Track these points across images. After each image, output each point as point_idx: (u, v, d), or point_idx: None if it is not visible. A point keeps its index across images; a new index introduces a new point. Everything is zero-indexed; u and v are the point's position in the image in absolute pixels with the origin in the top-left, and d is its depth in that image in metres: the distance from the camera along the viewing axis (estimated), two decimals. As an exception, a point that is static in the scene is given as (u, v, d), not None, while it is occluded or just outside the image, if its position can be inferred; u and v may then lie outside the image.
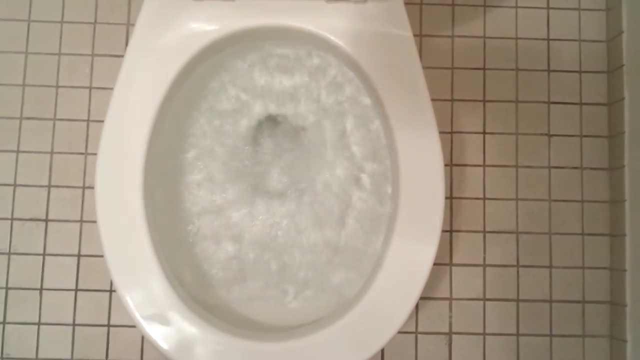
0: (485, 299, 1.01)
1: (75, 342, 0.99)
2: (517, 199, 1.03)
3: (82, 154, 1.03)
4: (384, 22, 0.78)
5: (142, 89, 0.76)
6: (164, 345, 0.70)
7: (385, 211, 0.82)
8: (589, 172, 1.04)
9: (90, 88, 1.04)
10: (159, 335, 0.70)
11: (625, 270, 0.97)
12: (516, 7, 1.08)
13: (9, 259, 1.01)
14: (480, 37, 1.07)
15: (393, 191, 0.78)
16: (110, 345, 0.99)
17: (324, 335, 0.71)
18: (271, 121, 0.87)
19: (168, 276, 0.71)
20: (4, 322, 1.00)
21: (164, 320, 0.70)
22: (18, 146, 1.03)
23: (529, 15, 1.08)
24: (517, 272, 1.02)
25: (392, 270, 0.72)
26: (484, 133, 1.04)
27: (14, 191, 1.02)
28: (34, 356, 0.99)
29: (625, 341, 0.96)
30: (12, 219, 1.01)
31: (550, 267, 1.02)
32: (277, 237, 0.84)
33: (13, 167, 1.02)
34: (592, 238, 1.03)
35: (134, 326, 0.98)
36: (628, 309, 0.96)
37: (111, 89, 0.76)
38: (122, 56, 1.01)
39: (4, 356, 0.99)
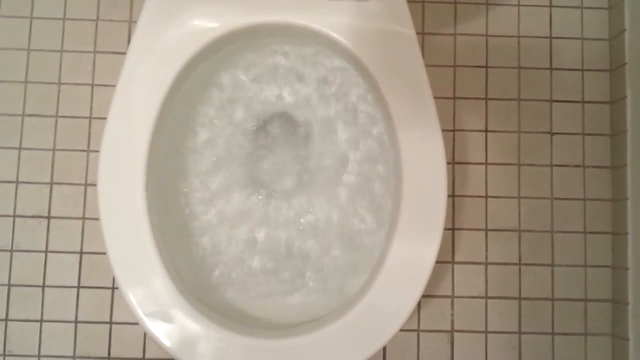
0: (487, 297, 1.01)
1: (78, 339, 1.00)
2: (519, 197, 1.03)
3: (84, 151, 1.03)
4: (387, 20, 0.78)
5: (145, 86, 0.76)
6: (166, 342, 0.70)
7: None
8: (591, 170, 1.04)
9: (93, 85, 1.04)
10: (162, 332, 0.70)
11: (627, 269, 0.97)
12: (519, 5, 1.08)
13: (11, 256, 1.01)
14: (483, 35, 1.07)
15: (395, 189, 0.77)
16: (112, 342, 1.00)
17: (326, 332, 0.71)
18: (275, 119, 0.87)
19: (170, 273, 0.71)
20: (6, 319, 1.00)
21: (166, 318, 0.70)
22: (20, 143, 1.03)
23: (532, 13, 1.07)
24: (519, 270, 1.02)
25: (394, 268, 0.72)
26: (486, 131, 1.04)
27: (16, 188, 1.02)
28: (36, 353, 0.99)
29: (627, 339, 0.96)
30: (15, 216, 1.01)
31: (552, 265, 1.02)
32: (281, 235, 0.84)
33: (15, 164, 1.02)
34: (594, 236, 1.03)
35: (136, 323, 0.98)
36: (630, 307, 0.96)
37: (113, 86, 0.76)
38: (124, 53, 1.02)
39: (7, 353, 0.99)
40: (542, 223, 1.03)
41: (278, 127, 0.87)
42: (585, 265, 1.03)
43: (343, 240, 0.84)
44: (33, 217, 1.02)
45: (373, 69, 0.77)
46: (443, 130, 0.75)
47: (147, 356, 0.99)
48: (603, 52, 1.07)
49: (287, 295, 0.83)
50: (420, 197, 0.74)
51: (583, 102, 1.06)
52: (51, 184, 1.02)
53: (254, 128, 0.86)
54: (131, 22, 1.06)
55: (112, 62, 1.05)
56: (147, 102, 0.75)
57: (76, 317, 1.00)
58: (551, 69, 1.06)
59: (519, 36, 1.07)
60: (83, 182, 1.02)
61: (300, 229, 0.84)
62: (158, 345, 0.70)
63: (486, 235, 1.03)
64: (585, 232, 1.03)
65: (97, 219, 0.97)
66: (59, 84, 1.04)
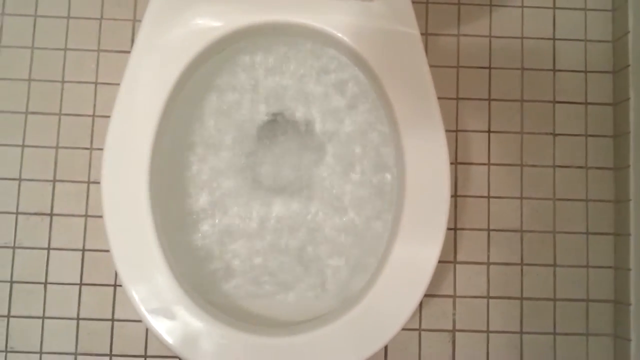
0: (489, 297, 1.01)
1: (80, 336, 1.00)
2: (521, 198, 1.03)
3: (87, 149, 1.03)
4: (391, 20, 0.78)
5: (149, 84, 0.76)
6: (168, 339, 0.70)
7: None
8: (593, 171, 1.04)
9: (96, 83, 1.05)
10: (164, 329, 0.70)
11: (629, 270, 0.97)
12: (522, 6, 1.08)
13: (13, 252, 1.01)
14: (486, 36, 1.07)
15: (398, 189, 0.77)
16: (114, 339, 1.00)
17: (328, 331, 0.71)
18: (279, 118, 0.87)
19: (173, 271, 0.71)
20: (8, 316, 1.00)
21: (169, 314, 0.70)
22: (23, 141, 1.03)
23: (535, 14, 1.08)
24: (521, 270, 1.02)
25: (396, 268, 0.72)
26: (489, 132, 1.05)
27: (19, 185, 1.02)
28: (38, 350, 0.99)
29: (629, 340, 0.96)
30: (17, 213, 1.02)
31: (555, 265, 1.02)
32: (284, 234, 0.84)
33: (18, 161, 1.02)
34: (597, 237, 1.03)
35: (138, 320, 0.99)
36: (632, 308, 0.96)
37: (117, 84, 0.76)
38: (128, 52, 1.03)
39: (9, 349, 0.99)
40: (545, 224, 1.03)
41: (282, 127, 0.87)
42: (587, 266, 1.03)
43: (347, 241, 0.84)
44: (36, 214, 1.02)
45: (377, 68, 0.77)
46: (446, 131, 0.75)
47: (148, 353, 0.99)
48: (606, 54, 1.07)
49: (290, 294, 0.83)
50: (423, 197, 0.74)
51: (586, 103, 1.06)
52: (54, 181, 1.02)
53: (259, 127, 0.86)
54: (135, 21, 1.06)
55: (115, 61, 1.05)
56: (151, 101, 0.75)
57: (78, 314, 1.00)
58: (554, 70, 1.06)
59: (522, 37, 1.07)
60: (86, 179, 1.02)
61: (305, 229, 0.84)
62: (160, 342, 0.70)
63: (488, 235, 1.03)
64: (587, 233, 1.03)
65: (100, 216, 0.98)
66: (63, 82, 1.05)
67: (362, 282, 0.78)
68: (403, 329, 0.73)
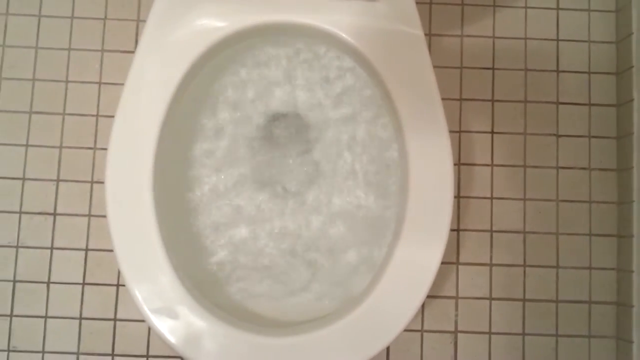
0: (491, 298, 1.01)
1: (82, 336, 1.00)
2: (524, 199, 1.03)
3: (90, 148, 1.03)
4: (395, 20, 0.78)
5: (153, 84, 0.76)
6: (171, 338, 0.70)
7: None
8: (597, 172, 1.04)
9: (100, 83, 1.05)
10: (167, 328, 0.70)
11: (632, 272, 0.97)
12: (526, 7, 1.08)
13: (17, 252, 1.01)
14: (490, 37, 1.07)
15: (402, 190, 0.77)
16: (116, 339, 1.00)
17: (330, 331, 0.71)
18: (283, 117, 0.87)
19: (176, 270, 0.72)
20: (11, 315, 1.00)
21: (172, 314, 0.70)
22: (27, 140, 1.03)
23: (539, 15, 1.07)
24: (524, 271, 1.02)
25: (399, 269, 0.72)
26: (492, 133, 1.04)
27: (23, 185, 1.02)
28: (40, 349, 0.99)
29: (631, 342, 0.96)
30: (21, 212, 1.02)
31: (557, 267, 1.02)
32: (288, 233, 0.84)
33: (22, 161, 1.03)
34: (600, 239, 1.03)
35: (140, 320, 0.99)
36: (635, 310, 0.96)
37: (120, 84, 0.76)
38: (131, 52, 1.04)
39: (11, 349, 0.99)
40: (547, 225, 1.03)
41: (287, 126, 0.87)
42: (590, 268, 1.02)
43: (351, 243, 0.84)
44: (39, 213, 1.02)
45: (381, 69, 0.77)
46: (449, 132, 0.75)
47: (151, 353, 0.99)
48: (610, 55, 1.07)
49: (293, 295, 0.83)
50: (426, 198, 0.74)
51: (589, 104, 1.05)
52: (57, 181, 1.02)
53: (263, 126, 0.86)
54: (138, 21, 1.06)
55: (119, 61, 1.05)
56: (155, 101, 0.75)
57: (81, 314, 1.00)
58: (558, 71, 1.06)
59: (525, 38, 1.07)
60: (89, 179, 1.03)
61: (309, 229, 0.84)
62: (163, 341, 0.70)
63: (491, 236, 1.02)
64: (590, 235, 1.03)
65: (103, 216, 0.98)
66: (67, 82, 1.05)
67: (365, 283, 0.78)
68: (405, 330, 0.73)
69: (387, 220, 0.83)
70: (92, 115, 1.04)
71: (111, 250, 0.93)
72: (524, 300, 1.02)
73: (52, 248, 1.01)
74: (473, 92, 1.05)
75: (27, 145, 1.03)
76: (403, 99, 0.76)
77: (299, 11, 0.78)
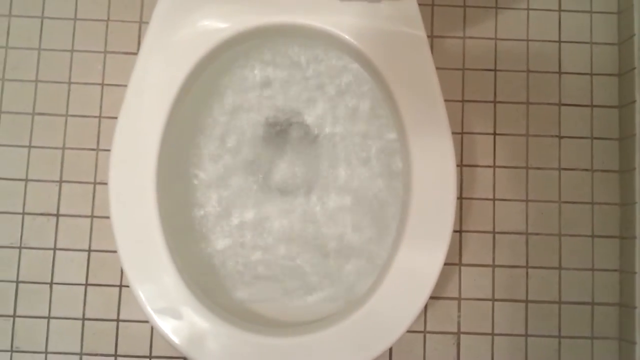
0: (494, 300, 1.01)
1: (85, 336, 1.00)
2: (527, 200, 1.03)
3: (93, 149, 1.03)
4: (398, 21, 0.78)
5: (156, 85, 0.76)
6: (175, 338, 0.70)
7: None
8: (599, 174, 1.04)
9: (103, 85, 1.05)
10: (170, 329, 0.70)
11: (635, 273, 0.97)
12: (528, 9, 1.08)
13: (19, 253, 1.01)
14: (492, 38, 1.07)
15: (404, 192, 0.77)
16: (119, 339, 1.00)
17: (333, 332, 0.71)
18: (286, 119, 0.87)
19: (180, 271, 0.72)
20: (14, 316, 1.00)
21: (175, 314, 0.70)
22: (30, 141, 1.03)
23: (541, 17, 1.07)
24: (526, 273, 1.02)
25: (401, 270, 0.72)
26: (495, 134, 1.04)
27: (26, 186, 1.02)
28: (43, 350, 0.99)
29: (634, 343, 0.96)
30: (24, 213, 1.02)
31: (560, 268, 1.02)
32: (291, 234, 0.85)
33: (25, 162, 1.03)
34: (602, 240, 1.03)
35: (143, 321, 0.99)
36: (637, 311, 0.96)
37: (123, 85, 0.77)
38: (134, 53, 1.04)
39: (14, 349, 0.99)
40: (550, 226, 1.03)
41: (290, 129, 0.87)
42: (592, 269, 1.02)
43: (354, 245, 0.84)
44: (42, 214, 1.02)
45: (384, 70, 0.77)
46: (451, 133, 0.75)
47: (153, 354, 0.99)
48: (612, 57, 1.07)
49: (296, 296, 0.83)
50: (429, 200, 0.74)
51: (592, 106, 1.05)
52: (60, 182, 1.03)
53: (267, 127, 0.87)
54: (141, 23, 1.07)
55: (122, 62, 1.05)
56: (158, 101, 0.76)
57: (83, 314, 1.00)
58: (560, 72, 1.06)
59: (527, 40, 1.07)
60: (92, 180, 1.03)
61: (312, 232, 0.85)
62: (167, 341, 0.71)
63: (494, 237, 1.02)
64: (593, 236, 1.03)
65: (106, 217, 0.99)
66: (69, 83, 1.05)
67: (367, 285, 0.78)
68: (408, 331, 0.74)
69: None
70: (95, 117, 1.04)
71: (114, 251, 0.94)
72: (526, 301, 1.01)
73: (54, 249, 1.01)
74: (475, 94, 1.05)
75: (29, 147, 1.03)
76: (406, 100, 0.76)
77: (302, 12, 0.78)
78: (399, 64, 0.77)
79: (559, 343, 1.01)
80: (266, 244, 0.84)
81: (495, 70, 1.06)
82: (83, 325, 1.00)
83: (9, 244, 1.01)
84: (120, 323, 1.00)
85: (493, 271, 1.02)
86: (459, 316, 1.01)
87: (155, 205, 0.73)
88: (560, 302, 1.02)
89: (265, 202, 0.85)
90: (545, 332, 1.01)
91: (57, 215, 1.02)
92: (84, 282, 1.01)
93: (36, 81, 1.05)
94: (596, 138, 1.05)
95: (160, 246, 0.72)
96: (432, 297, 0.99)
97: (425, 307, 1.01)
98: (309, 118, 0.87)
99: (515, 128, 1.05)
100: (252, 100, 0.86)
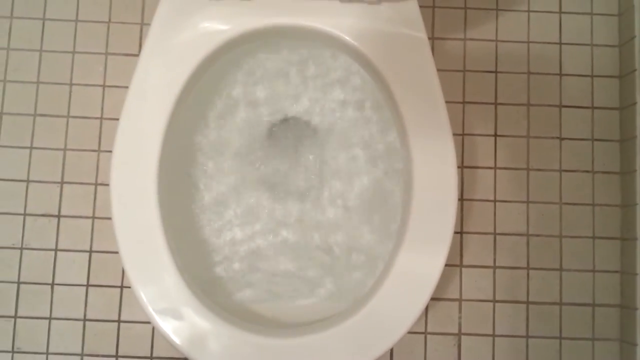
0: (495, 301, 1.01)
1: (86, 337, 1.00)
2: (528, 202, 1.03)
3: (94, 151, 1.03)
4: (399, 23, 0.78)
5: (157, 87, 0.76)
6: (176, 339, 0.70)
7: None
8: (600, 175, 1.04)
9: (104, 86, 1.05)
10: (172, 329, 0.70)
11: (636, 274, 0.97)
12: (528, 11, 1.08)
13: (21, 253, 1.01)
14: (493, 40, 1.07)
15: (405, 193, 0.78)
16: (120, 340, 1.00)
17: (334, 333, 0.71)
18: (287, 120, 0.87)
19: (181, 271, 0.72)
20: (15, 317, 1.00)
21: (176, 315, 0.70)
22: (31, 142, 1.03)
23: (541, 19, 1.08)
24: (527, 274, 1.02)
25: (402, 271, 0.72)
26: (496, 135, 1.05)
27: (27, 187, 1.03)
28: (44, 350, 0.99)
29: (635, 345, 0.96)
30: (25, 214, 1.02)
31: (561, 269, 1.02)
32: (293, 235, 0.85)
33: (26, 163, 1.03)
34: (603, 241, 1.03)
35: (144, 322, 0.99)
36: (638, 313, 0.96)
37: (124, 87, 0.77)
38: (135, 55, 1.04)
39: (15, 350, 0.99)
40: (551, 228, 1.03)
41: (292, 128, 0.87)
42: (593, 271, 1.02)
43: (355, 247, 0.84)
44: (43, 215, 1.02)
45: (385, 72, 0.77)
46: (452, 135, 0.76)
47: (155, 354, 0.99)
48: (613, 58, 1.07)
49: (297, 297, 0.83)
50: (430, 201, 0.74)
51: (592, 107, 1.06)
52: (62, 183, 1.03)
53: (268, 128, 0.87)
54: (142, 24, 1.07)
55: (123, 64, 1.06)
56: (160, 103, 0.76)
57: (85, 315, 1.00)
58: (560, 74, 1.06)
59: (528, 42, 1.07)
60: (93, 181, 1.03)
61: (313, 232, 0.85)
62: (168, 342, 0.71)
63: (494, 239, 1.03)
64: (594, 237, 1.03)
65: (107, 218, 0.99)
66: (71, 84, 1.05)
67: (368, 286, 0.78)
68: (409, 332, 0.74)
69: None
70: (96, 118, 1.04)
71: (115, 252, 0.94)
72: (527, 302, 1.01)
73: (56, 250, 1.01)
74: (476, 95, 1.05)
75: (31, 148, 1.03)
76: (407, 102, 0.76)
77: (302, 14, 0.78)
78: (400, 66, 0.77)
79: (560, 344, 1.01)
80: (267, 244, 0.84)
81: (496, 72, 1.06)
82: (84, 326, 1.00)
83: (10, 244, 1.01)
84: (122, 324, 1.00)
85: (494, 272, 1.02)
86: (459, 317, 1.01)
87: (156, 206, 0.73)
88: (561, 304, 1.02)
89: (267, 202, 0.85)
90: (546, 333, 1.01)
91: (59, 216, 1.02)
92: (85, 283, 1.01)
93: (37, 82, 1.05)
94: (597, 140, 1.05)
95: (161, 247, 0.72)
96: (433, 298, 0.99)
97: (426, 308, 1.01)
98: (311, 119, 0.87)
99: (516, 130, 1.05)
100: (254, 102, 0.86)
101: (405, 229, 0.73)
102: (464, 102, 1.05)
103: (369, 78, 0.83)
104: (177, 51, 0.77)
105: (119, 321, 1.00)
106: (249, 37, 0.79)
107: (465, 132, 1.04)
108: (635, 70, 1.01)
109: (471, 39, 1.07)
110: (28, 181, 1.03)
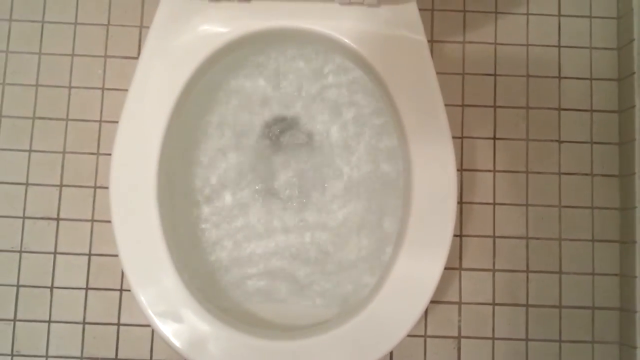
0: (494, 304, 1.01)
1: (85, 340, 1.00)
2: (527, 205, 1.03)
3: (94, 154, 1.03)
4: (398, 26, 0.78)
5: (157, 89, 0.76)
6: (176, 342, 0.70)
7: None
8: (599, 178, 1.04)
9: (103, 89, 1.05)
10: (171, 332, 0.70)
11: (635, 277, 0.97)
12: (527, 14, 1.08)
13: (20, 257, 1.01)
14: (492, 43, 1.07)
15: (405, 196, 0.78)
16: (119, 343, 1.00)
17: (333, 336, 0.71)
18: (286, 122, 0.87)
19: (181, 274, 0.72)
20: (14, 320, 1.00)
21: (176, 317, 0.70)
22: (30, 145, 1.03)
23: (540, 22, 1.08)
24: (527, 277, 1.02)
25: (401, 275, 0.72)
26: (495, 138, 1.05)
27: (26, 190, 1.02)
28: (44, 354, 0.99)
29: (635, 347, 0.96)
30: (24, 217, 1.02)
31: (560, 272, 1.02)
32: (293, 238, 0.85)
33: (25, 166, 1.03)
34: (602, 244, 1.03)
35: (144, 325, 0.99)
36: (638, 316, 0.96)
37: (123, 90, 0.77)
38: (134, 58, 1.04)
39: (14, 353, 0.99)
40: (550, 231, 1.03)
41: (291, 131, 0.87)
42: (593, 273, 1.02)
43: (356, 248, 0.84)
44: (42, 218, 1.02)
45: (384, 75, 0.77)
46: (452, 137, 0.76)
47: (154, 357, 0.99)
48: (611, 61, 1.07)
49: (296, 300, 0.83)
50: (429, 205, 0.74)
51: (591, 110, 1.06)
52: (61, 186, 1.03)
53: (266, 131, 0.87)
54: (142, 27, 1.07)
55: (122, 67, 1.06)
56: (159, 105, 0.76)
57: (84, 318, 1.00)
58: (559, 77, 1.06)
59: (527, 45, 1.07)
60: (92, 184, 1.03)
61: (312, 236, 0.85)
62: (167, 345, 0.71)
63: (494, 242, 1.03)
64: (593, 240, 1.03)
65: (107, 221, 0.99)
66: (70, 87, 1.05)
67: (367, 290, 0.78)
68: (408, 336, 0.73)
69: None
70: (95, 121, 1.04)
71: (114, 255, 0.94)
72: (527, 305, 1.01)
73: (55, 253, 1.01)
74: (475, 98, 1.06)
75: (30, 151, 1.03)
76: (406, 104, 0.76)
77: (302, 17, 0.78)
78: (399, 69, 0.77)
79: (560, 347, 1.01)
80: (267, 247, 0.84)
81: (495, 74, 1.06)
82: (84, 329, 1.00)
83: (9, 248, 1.01)
84: (121, 327, 1.00)
85: (493, 275, 1.02)
86: (459, 320, 1.01)
87: (156, 209, 0.73)
88: (560, 307, 1.02)
89: (267, 205, 0.85)
90: (545, 336, 1.01)
91: (58, 219, 1.02)
92: (85, 286, 1.01)
93: (37, 85, 1.05)
94: (596, 143, 1.05)
95: (161, 250, 0.72)
96: (432, 302, 0.99)
97: (426, 312, 1.01)
98: (310, 123, 0.87)
99: (515, 132, 1.05)
100: (254, 105, 0.86)
101: (405, 232, 0.73)
102: (463, 105, 1.05)
103: (368, 80, 0.83)
104: (177, 54, 0.77)
105: (118, 324, 1.00)
106: (249, 39, 0.79)
107: (465, 135, 1.04)
108: (634, 73, 1.01)
109: (470, 42, 1.07)
110: (27, 184, 1.03)
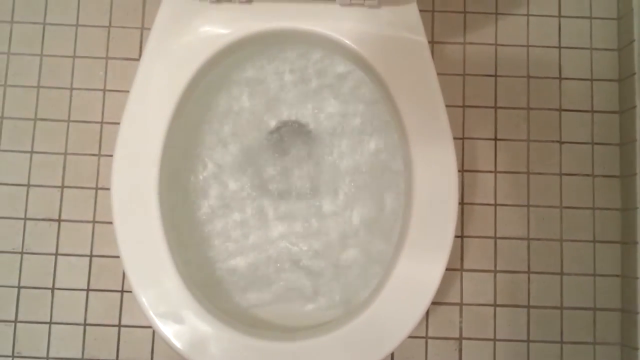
0: (495, 305, 1.01)
1: (86, 342, 1.00)
2: (528, 206, 1.03)
3: (95, 155, 1.03)
4: (399, 27, 0.78)
5: (158, 91, 0.76)
6: (177, 343, 0.70)
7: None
8: (600, 179, 1.04)
9: (104, 91, 1.05)
10: (173, 333, 0.70)
11: (636, 278, 0.97)
12: (528, 15, 1.08)
13: (21, 258, 1.01)
14: (492, 44, 1.07)
15: (406, 197, 0.78)
16: (120, 345, 1.00)
17: (334, 337, 0.71)
18: (288, 124, 0.87)
19: (182, 275, 0.72)
20: (15, 321, 1.00)
21: (177, 319, 0.70)
22: (32, 147, 1.03)
23: (541, 23, 1.08)
24: (528, 278, 1.02)
25: (403, 276, 0.72)
26: (495, 139, 1.05)
27: (28, 191, 1.03)
28: (44, 355, 0.99)
29: (636, 349, 0.96)
30: (25, 218, 1.02)
31: (561, 274, 1.02)
32: (294, 239, 0.85)
33: (27, 167, 1.03)
34: (604, 245, 1.03)
35: (145, 326, 0.99)
36: (639, 317, 0.96)
37: (125, 91, 0.77)
38: (136, 59, 1.04)
39: (15, 354, 0.99)
40: (551, 231, 1.03)
41: (293, 133, 0.87)
42: (594, 274, 1.02)
43: (356, 249, 0.84)
44: (44, 220, 1.02)
45: (385, 76, 0.77)
46: (453, 138, 0.76)
47: (155, 359, 0.99)
48: (612, 62, 1.07)
49: (298, 301, 0.83)
50: (431, 206, 0.74)
51: (592, 111, 1.06)
52: (62, 187, 1.03)
53: (269, 132, 0.87)
54: (143, 29, 1.07)
55: (123, 68, 1.06)
56: (161, 107, 0.76)
57: (85, 320, 1.00)
58: (560, 78, 1.06)
59: (528, 46, 1.07)
60: (94, 186, 1.03)
61: (313, 236, 0.85)
62: (169, 346, 0.71)
63: (495, 243, 1.02)
64: (594, 241, 1.03)
65: (108, 222, 0.99)
66: (71, 89, 1.05)
67: (368, 292, 0.78)
68: (410, 337, 0.73)
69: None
70: (97, 123, 1.04)
71: (115, 257, 0.94)
72: (528, 307, 1.01)
73: (56, 254, 1.01)
74: (476, 99, 1.06)
75: (31, 152, 1.03)
76: (407, 105, 0.76)
77: (303, 18, 0.78)
78: (400, 70, 0.77)
79: (561, 348, 1.01)
80: (269, 248, 0.84)
81: (495, 75, 1.06)
82: (85, 330, 1.00)
83: (10, 249, 1.01)
84: (122, 328, 1.00)
85: (495, 276, 1.02)
86: (460, 321, 1.01)
87: (157, 211, 0.73)
88: (562, 308, 1.01)
89: (268, 206, 0.85)
90: (547, 337, 1.01)
91: (59, 220, 1.02)
92: (86, 288, 1.01)
93: (38, 87, 1.05)
94: (597, 143, 1.05)
95: (162, 251, 0.72)
96: (433, 303, 0.99)
97: (427, 313, 1.01)
98: (312, 124, 0.87)
99: (516, 133, 1.05)
100: (255, 106, 0.86)
101: (406, 233, 0.73)
102: (464, 106, 1.05)
103: (369, 81, 0.83)
104: (178, 55, 0.77)
105: (119, 326, 1.00)
106: (250, 40, 0.79)
107: (466, 136, 1.04)
108: (634, 73, 1.01)
109: (471, 43, 1.07)
110: (29, 185, 1.03)
